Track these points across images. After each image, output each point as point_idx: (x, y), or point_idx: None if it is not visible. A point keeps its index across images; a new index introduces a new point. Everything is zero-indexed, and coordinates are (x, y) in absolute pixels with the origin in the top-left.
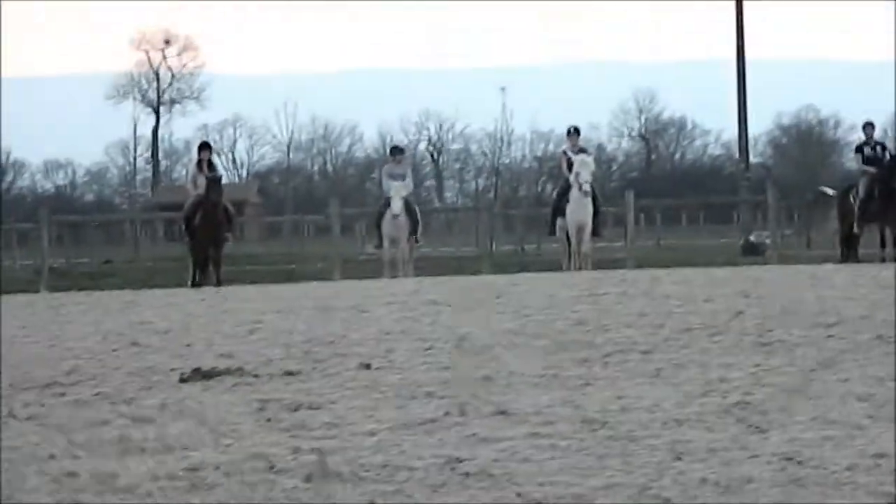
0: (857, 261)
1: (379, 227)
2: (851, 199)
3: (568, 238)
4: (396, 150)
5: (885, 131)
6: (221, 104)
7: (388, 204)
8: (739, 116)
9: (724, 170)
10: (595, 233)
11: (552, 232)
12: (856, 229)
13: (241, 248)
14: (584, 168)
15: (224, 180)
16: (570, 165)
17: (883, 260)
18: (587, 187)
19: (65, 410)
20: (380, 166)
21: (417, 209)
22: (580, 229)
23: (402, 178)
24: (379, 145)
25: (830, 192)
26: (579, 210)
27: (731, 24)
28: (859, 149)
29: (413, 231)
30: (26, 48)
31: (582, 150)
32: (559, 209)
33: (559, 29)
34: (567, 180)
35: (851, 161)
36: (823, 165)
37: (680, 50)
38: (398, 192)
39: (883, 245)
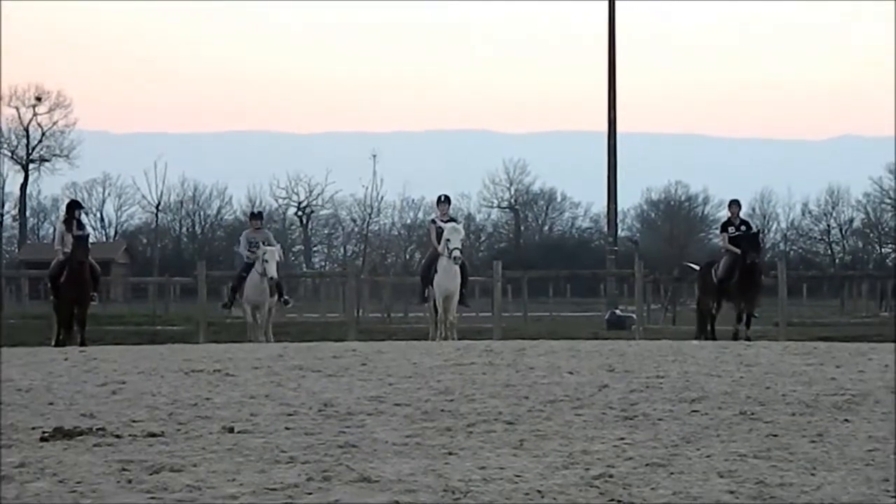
0: (714, 338)
1: (237, 291)
2: (713, 276)
3: (435, 307)
4: (256, 216)
5: (753, 209)
6: (91, 162)
7: (247, 269)
8: (609, 190)
9: (593, 242)
10: (462, 302)
11: (422, 300)
12: (713, 307)
13: (107, 309)
14: (455, 235)
15: (91, 239)
16: (439, 234)
17: (735, 336)
18: (457, 254)
19: None
20: (240, 230)
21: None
22: (447, 298)
23: (263, 243)
24: (248, 208)
25: (696, 267)
26: (447, 279)
27: (603, 97)
28: (724, 227)
29: (280, 294)
30: None
31: (452, 220)
32: (428, 277)
33: (432, 96)
34: (436, 249)
35: (718, 238)
36: (691, 241)
37: (552, 121)
38: (273, 256)
39: (739, 321)
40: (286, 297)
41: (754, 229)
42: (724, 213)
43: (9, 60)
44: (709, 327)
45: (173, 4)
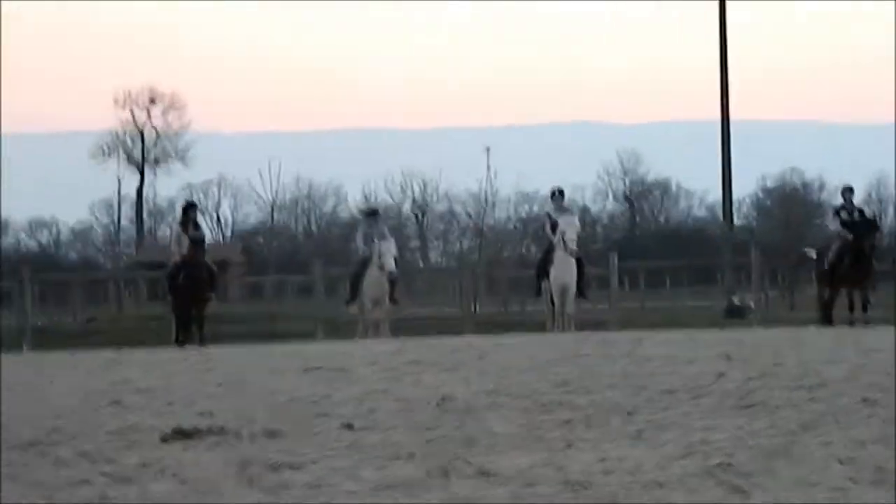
0: (831, 324)
1: (356, 286)
2: (824, 262)
3: (552, 299)
4: (371, 213)
5: (870, 194)
6: (206, 163)
7: (365, 264)
8: (724, 178)
9: (708, 232)
10: (581, 295)
11: (538, 293)
12: (825, 293)
13: (224, 308)
14: (570, 229)
15: (208, 240)
16: (553, 227)
17: (851, 323)
18: (573, 246)
19: (46, 470)
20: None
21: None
22: (564, 291)
23: (378, 238)
24: (363, 205)
25: (813, 253)
26: (563, 272)
27: (716, 84)
28: (836, 212)
29: (392, 292)
30: (10, 105)
31: (566, 212)
32: (543, 270)
33: (544, 88)
34: (551, 242)
35: (830, 223)
36: (807, 227)
37: (665, 111)
38: (389, 251)
39: (851, 309)
40: (396, 297)
41: (868, 215)
42: (839, 199)
43: (122, 64)
44: (828, 314)
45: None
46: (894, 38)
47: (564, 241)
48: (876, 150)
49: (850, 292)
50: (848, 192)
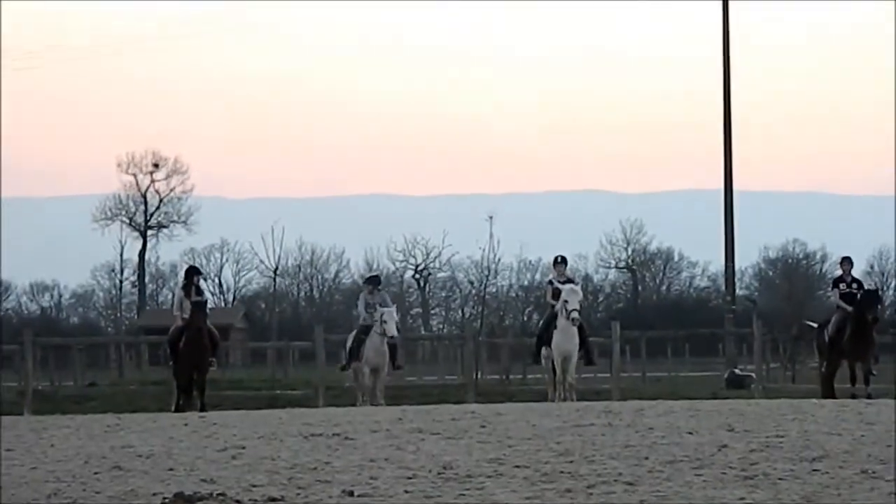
0: (833, 396)
1: (354, 352)
2: (825, 335)
3: (553, 368)
4: (373, 280)
5: (871, 266)
6: (209, 228)
7: (365, 331)
8: (726, 249)
9: (710, 302)
10: (589, 362)
11: (535, 360)
12: (824, 366)
13: (226, 373)
14: (573, 296)
15: (210, 305)
16: (556, 294)
17: (853, 396)
18: (576, 315)
19: None
20: (357, 294)
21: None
22: (566, 359)
23: (379, 305)
24: (365, 271)
25: (815, 325)
26: (566, 339)
27: (719, 155)
28: (835, 284)
29: (394, 359)
30: (12, 168)
31: (569, 280)
32: (545, 338)
33: (548, 157)
34: (553, 309)
35: (830, 294)
36: (810, 299)
37: (668, 180)
38: (391, 317)
39: (853, 381)
40: (399, 363)
41: (866, 286)
42: (838, 271)
43: (126, 128)
44: (829, 386)
45: (282, 71)
46: (894, 111)
47: (567, 310)
48: (878, 222)
49: (852, 364)
50: (846, 262)
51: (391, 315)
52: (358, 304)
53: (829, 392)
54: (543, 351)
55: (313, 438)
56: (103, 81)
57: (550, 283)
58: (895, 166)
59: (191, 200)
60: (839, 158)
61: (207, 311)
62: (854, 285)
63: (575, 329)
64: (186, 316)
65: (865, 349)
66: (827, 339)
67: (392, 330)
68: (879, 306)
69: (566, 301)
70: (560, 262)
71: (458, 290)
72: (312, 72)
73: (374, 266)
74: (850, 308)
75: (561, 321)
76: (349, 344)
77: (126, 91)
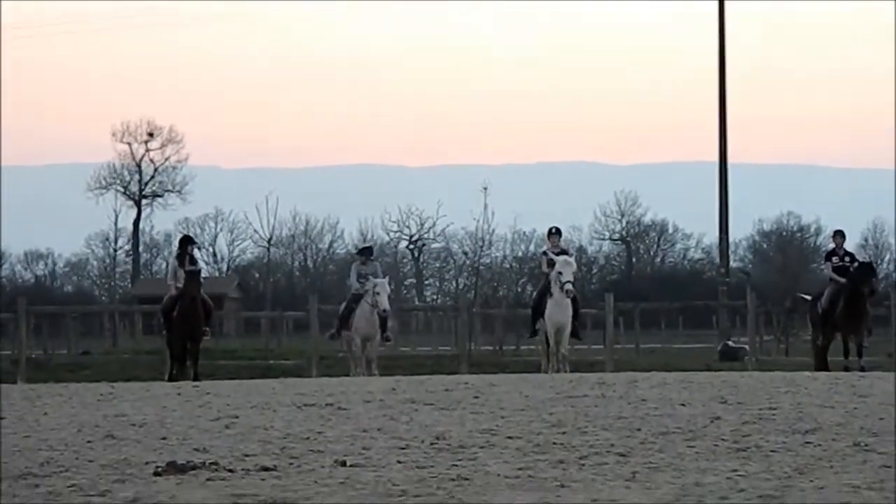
0: (826, 369)
1: (344, 321)
2: (818, 308)
3: (547, 339)
4: (366, 251)
5: (866, 238)
6: (203, 197)
7: (356, 300)
8: (721, 221)
9: (704, 274)
10: (575, 335)
11: (532, 334)
12: (819, 339)
13: (219, 343)
14: (567, 268)
15: (204, 274)
16: (550, 265)
17: (846, 369)
18: (570, 287)
19: (39, 502)
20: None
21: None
22: (559, 330)
23: (371, 276)
24: (360, 242)
25: (808, 298)
26: (559, 311)
27: (714, 128)
28: (828, 257)
29: (384, 329)
30: (7, 136)
31: (563, 252)
32: (539, 310)
33: (542, 129)
34: (548, 280)
35: (823, 267)
36: (804, 272)
37: (663, 152)
38: (383, 289)
39: (846, 354)
40: (388, 335)
41: (860, 259)
42: (830, 244)
43: (121, 96)
44: (823, 359)
45: (279, 42)
46: (894, 84)
47: (561, 281)
48: (873, 195)
49: (845, 337)
50: (839, 235)
51: (384, 287)
52: (350, 274)
53: (822, 365)
54: (538, 323)
55: (306, 408)
56: (100, 51)
57: (545, 253)
58: (894, 139)
59: (185, 170)
60: (835, 131)
61: (201, 280)
62: (847, 258)
63: (569, 301)
64: (180, 285)
65: (858, 322)
66: (820, 311)
67: (384, 303)
68: (874, 279)
69: (560, 273)
70: (554, 233)
71: (453, 261)
72: (307, 41)
73: (369, 237)
74: (843, 280)
75: (555, 293)
76: (340, 313)
77: (122, 60)
